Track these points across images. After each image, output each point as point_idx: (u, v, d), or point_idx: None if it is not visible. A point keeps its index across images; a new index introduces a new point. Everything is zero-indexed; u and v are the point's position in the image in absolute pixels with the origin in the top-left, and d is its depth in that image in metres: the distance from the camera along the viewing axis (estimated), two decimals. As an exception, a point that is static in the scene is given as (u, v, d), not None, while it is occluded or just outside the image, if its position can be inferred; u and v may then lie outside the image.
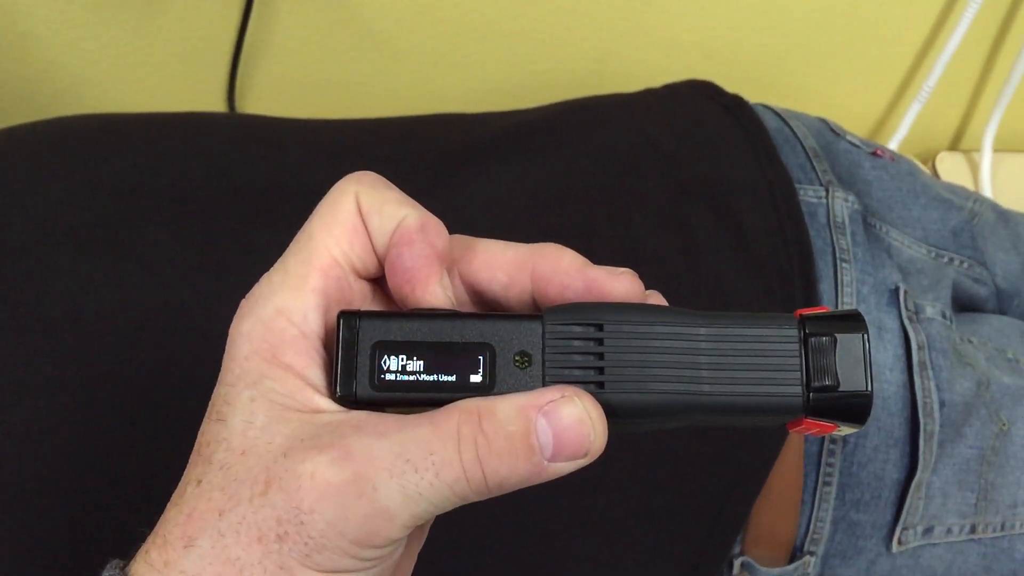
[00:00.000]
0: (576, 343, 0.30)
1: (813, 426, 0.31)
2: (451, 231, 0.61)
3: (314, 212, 0.32)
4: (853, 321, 0.31)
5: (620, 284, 0.32)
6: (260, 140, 0.68)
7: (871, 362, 0.31)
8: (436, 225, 0.32)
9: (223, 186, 0.61)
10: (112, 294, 0.54)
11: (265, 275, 0.32)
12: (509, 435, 0.28)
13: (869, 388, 0.31)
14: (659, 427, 0.32)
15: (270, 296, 0.31)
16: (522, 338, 0.30)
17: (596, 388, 0.30)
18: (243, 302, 0.31)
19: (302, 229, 0.32)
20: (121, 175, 0.61)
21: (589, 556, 0.59)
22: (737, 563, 0.64)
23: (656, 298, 0.33)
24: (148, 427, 0.52)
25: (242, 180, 0.62)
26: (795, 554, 0.64)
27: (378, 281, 0.34)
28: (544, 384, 0.30)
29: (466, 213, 0.64)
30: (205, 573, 0.28)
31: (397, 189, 0.33)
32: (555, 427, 0.29)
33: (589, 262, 0.33)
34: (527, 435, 0.29)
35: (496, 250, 0.33)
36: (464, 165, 0.67)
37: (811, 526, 0.63)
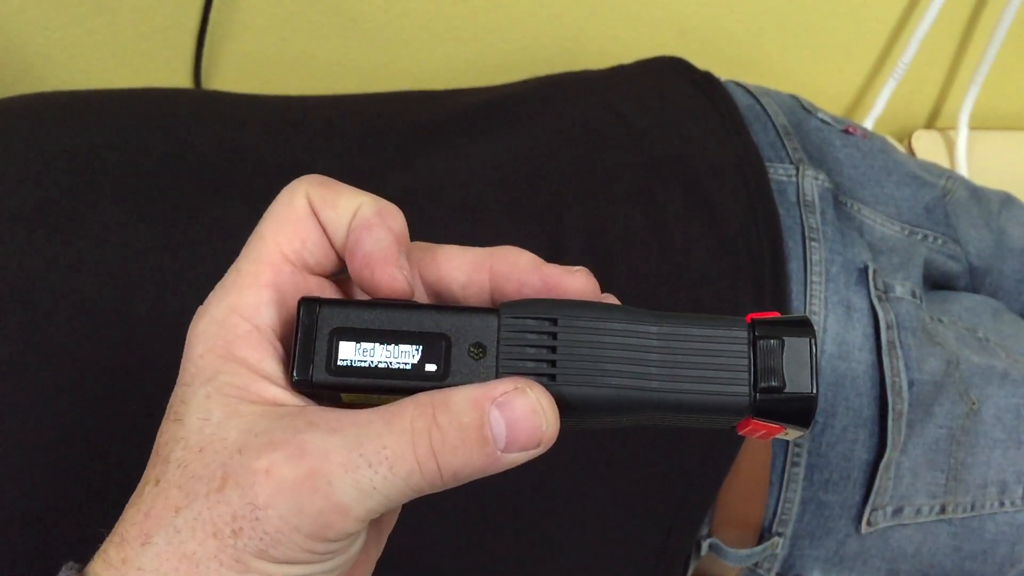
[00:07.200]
0: (530, 336, 0.31)
1: (760, 427, 0.32)
2: (419, 206, 0.61)
3: (265, 214, 0.33)
4: (801, 326, 0.32)
5: (575, 281, 0.33)
6: (220, 115, 0.66)
7: (818, 367, 0.32)
8: (393, 210, 0.32)
9: (181, 161, 0.60)
10: (65, 272, 0.54)
11: (220, 280, 0.32)
12: (463, 427, 0.29)
13: (814, 391, 0.31)
14: (610, 424, 0.32)
15: (223, 296, 0.31)
16: (478, 330, 0.31)
17: (548, 380, 0.31)
18: (199, 308, 0.32)
19: (254, 231, 0.33)
20: (76, 151, 0.59)
21: (556, 538, 0.59)
22: (705, 544, 0.63)
23: (611, 299, 0.34)
24: (103, 406, 0.51)
25: (201, 155, 0.61)
26: (763, 535, 0.64)
27: (338, 278, 0.34)
28: (497, 376, 0.31)
29: (435, 188, 0.63)
30: (162, 569, 0.28)
31: (349, 186, 0.33)
32: (508, 418, 0.29)
33: (544, 261, 0.33)
34: (481, 426, 0.29)
35: (454, 252, 0.34)
36: (433, 140, 0.66)
37: (779, 507, 0.63)
